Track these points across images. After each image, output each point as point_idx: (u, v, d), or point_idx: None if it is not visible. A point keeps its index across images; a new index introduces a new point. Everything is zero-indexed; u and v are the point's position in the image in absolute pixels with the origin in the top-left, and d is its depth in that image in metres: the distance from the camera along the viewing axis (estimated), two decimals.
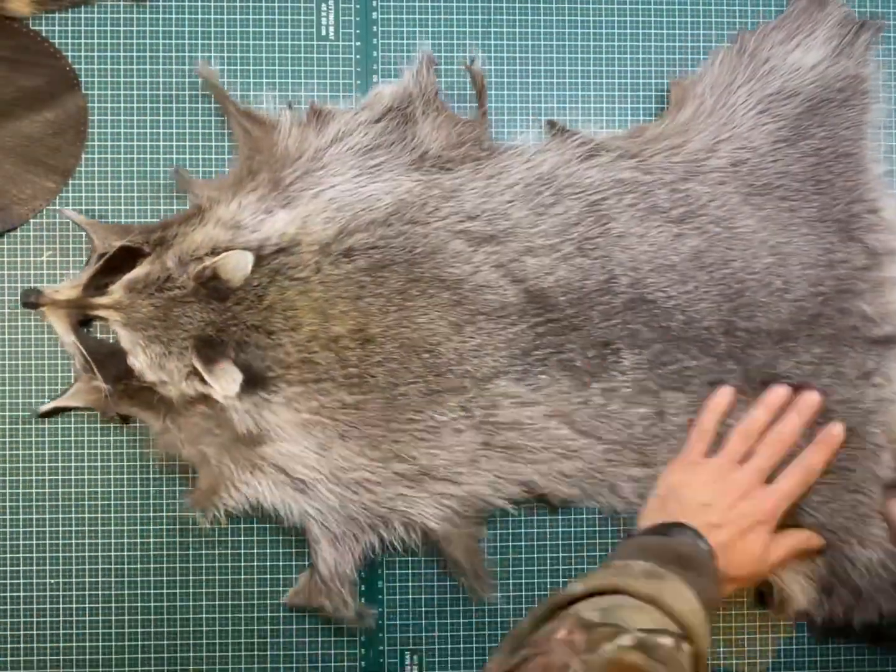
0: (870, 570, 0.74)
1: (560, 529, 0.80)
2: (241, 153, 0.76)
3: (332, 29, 0.80)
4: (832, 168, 0.77)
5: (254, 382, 0.72)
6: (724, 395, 0.74)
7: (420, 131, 0.75)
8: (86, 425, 0.78)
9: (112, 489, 0.78)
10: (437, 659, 0.79)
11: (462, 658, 0.79)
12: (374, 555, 0.76)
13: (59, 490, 0.78)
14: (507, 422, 0.74)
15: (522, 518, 0.79)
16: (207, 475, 0.74)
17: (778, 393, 0.74)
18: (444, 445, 0.74)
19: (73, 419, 0.78)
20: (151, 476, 0.78)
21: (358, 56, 0.80)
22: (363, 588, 0.79)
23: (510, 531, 0.79)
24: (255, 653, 0.78)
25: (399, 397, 0.73)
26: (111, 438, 0.78)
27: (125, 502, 0.78)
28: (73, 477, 0.78)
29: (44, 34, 0.78)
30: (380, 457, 0.74)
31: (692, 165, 0.76)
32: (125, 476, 0.78)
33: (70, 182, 0.78)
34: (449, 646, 0.79)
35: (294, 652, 0.78)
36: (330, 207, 0.74)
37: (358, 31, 0.80)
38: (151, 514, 0.78)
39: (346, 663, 0.79)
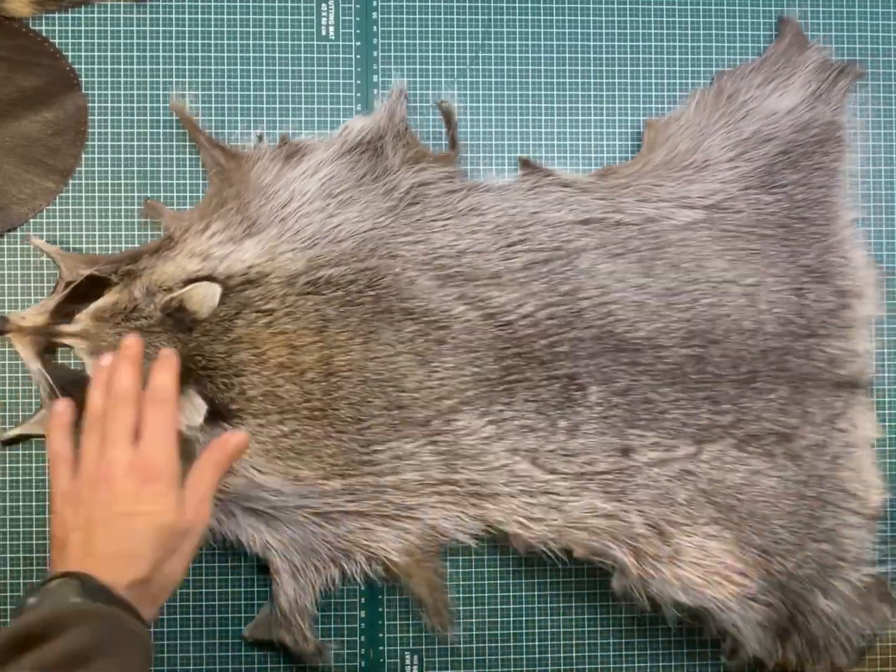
0: (830, 621, 0.74)
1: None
2: (211, 184, 0.76)
3: (332, 29, 0.80)
4: (804, 213, 0.77)
5: (218, 414, 0.72)
6: (57, 408, 0.64)
7: (390, 165, 0.75)
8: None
9: None
10: (436, 659, 0.79)
11: (462, 658, 0.79)
12: (334, 588, 0.76)
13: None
14: (470, 456, 0.74)
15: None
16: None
17: (99, 365, 0.65)
18: (406, 479, 0.74)
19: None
20: None
21: (358, 56, 0.80)
22: (363, 588, 0.79)
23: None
24: (255, 653, 0.78)
25: (363, 431, 0.73)
26: None
27: None
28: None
29: (44, 34, 0.78)
30: (343, 489, 0.74)
31: (664, 206, 0.76)
32: None
33: (70, 182, 0.78)
34: (449, 646, 0.79)
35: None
36: (298, 240, 0.73)
37: (358, 31, 0.80)
38: None
39: (346, 663, 0.79)
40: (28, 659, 0.51)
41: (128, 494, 0.59)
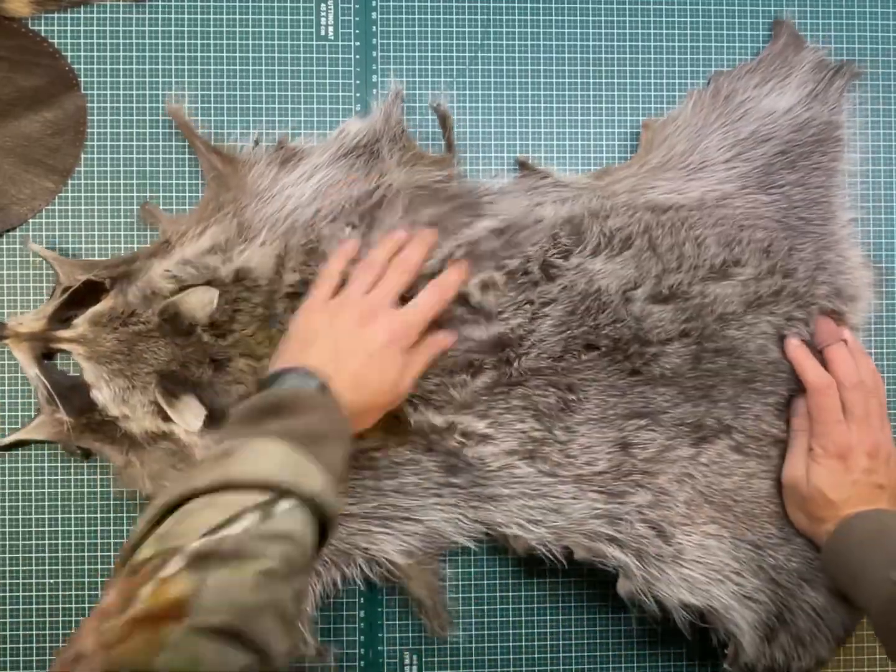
0: (815, 613, 0.74)
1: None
2: (208, 188, 0.76)
3: (331, 29, 0.80)
4: (802, 212, 0.77)
5: (216, 418, 0.72)
6: (350, 242, 0.71)
7: (386, 168, 0.75)
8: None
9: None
10: (436, 659, 0.79)
11: (461, 658, 0.79)
12: (334, 591, 0.76)
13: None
14: (469, 459, 0.74)
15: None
16: None
17: (397, 234, 0.71)
18: (406, 482, 0.74)
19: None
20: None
21: (357, 56, 0.80)
22: (363, 589, 0.79)
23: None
24: None
25: (361, 435, 0.73)
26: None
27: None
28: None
29: (43, 34, 0.78)
30: (341, 493, 0.73)
31: (660, 208, 0.75)
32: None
33: (69, 182, 0.78)
34: (448, 646, 0.79)
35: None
36: (292, 243, 0.73)
37: (357, 31, 0.80)
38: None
39: (345, 663, 0.79)
40: (275, 424, 0.58)
41: (377, 341, 0.66)
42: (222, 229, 0.73)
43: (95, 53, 0.78)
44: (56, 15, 0.78)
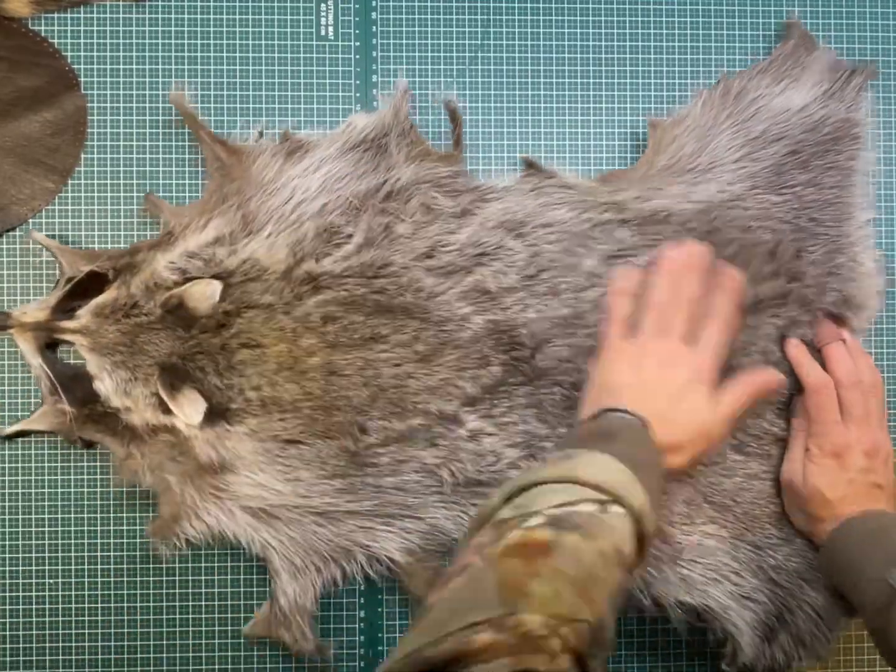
0: (815, 612, 0.74)
1: None
2: (212, 180, 0.76)
3: (331, 29, 0.80)
4: (814, 214, 0.76)
5: (217, 412, 0.72)
6: (622, 276, 0.72)
7: (393, 163, 0.75)
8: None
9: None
10: None
11: None
12: (335, 588, 0.76)
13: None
14: (470, 456, 0.74)
15: None
16: (169, 503, 0.73)
17: (672, 258, 0.71)
18: (407, 479, 0.74)
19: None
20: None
21: (357, 56, 0.80)
22: (363, 588, 0.79)
23: None
24: (255, 653, 0.78)
25: (363, 430, 0.73)
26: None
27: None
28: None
29: (43, 34, 0.78)
30: (343, 489, 0.74)
31: (669, 209, 0.75)
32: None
33: (69, 182, 0.78)
34: None
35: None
36: (298, 237, 0.73)
37: (357, 31, 0.80)
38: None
39: (345, 663, 0.79)
40: (608, 446, 0.62)
41: (677, 382, 0.68)
42: (226, 221, 0.73)
43: (95, 53, 0.78)
44: (56, 15, 0.78)
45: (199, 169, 0.78)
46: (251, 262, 0.72)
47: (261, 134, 0.76)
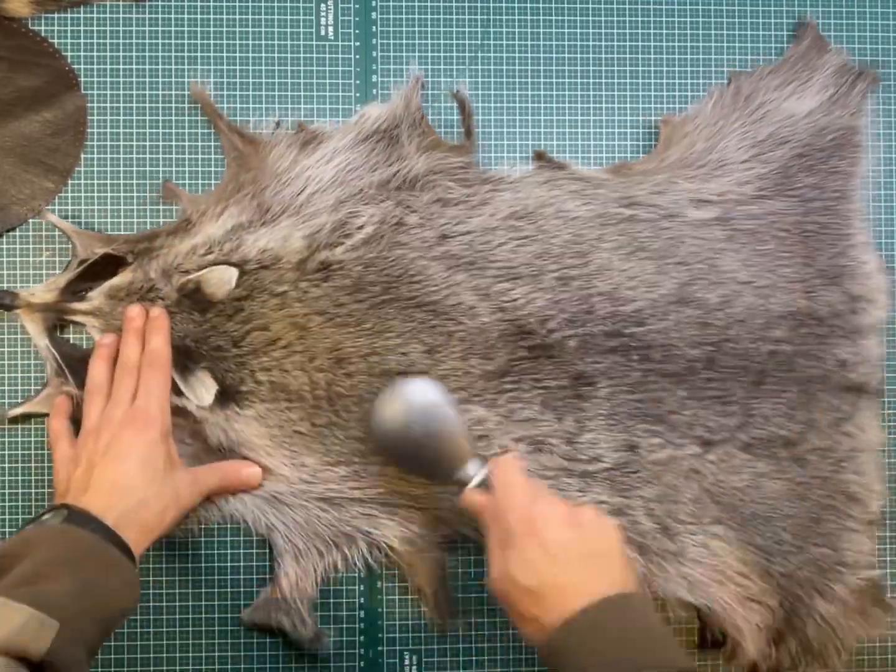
0: (826, 624, 0.74)
1: None
2: (229, 169, 0.77)
3: (331, 29, 0.80)
4: (819, 217, 0.77)
5: (228, 395, 0.73)
6: (59, 400, 0.74)
7: (405, 154, 0.75)
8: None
9: None
10: (436, 659, 0.79)
11: (461, 658, 0.79)
12: (336, 573, 0.76)
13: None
14: (476, 447, 0.73)
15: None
16: None
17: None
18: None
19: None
20: None
21: (357, 56, 0.80)
22: (363, 588, 0.79)
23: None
24: (255, 653, 0.78)
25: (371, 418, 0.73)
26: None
27: None
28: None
29: (43, 34, 0.78)
30: (348, 476, 0.74)
31: (677, 204, 0.76)
32: None
33: (69, 182, 0.78)
34: (448, 646, 0.79)
35: (293, 652, 0.78)
36: (312, 226, 0.74)
37: (357, 32, 0.80)
38: None
39: (345, 663, 0.79)
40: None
41: (123, 439, 0.66)
42: (241, 209, 0.74)
43: (95, 53, 0.78)
44: (56, 15, 0.78)
45: (199, 169, 0.78)
46: (266, 251, 0.73)
47: (277, 124, 0.77)
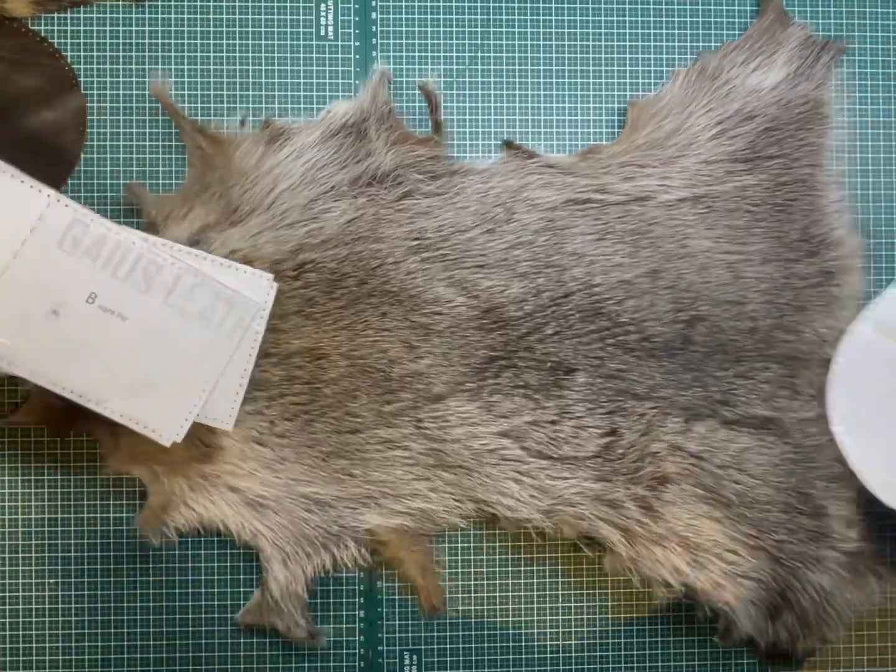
0: (821, 595, 0.74)
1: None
2: (193, 169, 0.77)
3: (330, 29, 0.80)
4: (789, 191, 0.78)
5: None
6: None
7: (374, 148, 0.76)
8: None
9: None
10: (436, 659, 0.79)
11: (461, 658, 0.79)
12: (325, 574, 0.77)
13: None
14: (459, 441, 0.74)
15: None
16: (158, 493, 0.74)
17: None
18: (396, 464, 0.75)
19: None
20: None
21: (357, 56, 0.80)
22: (362, 587, 0.79)
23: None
24: (255, 653, 0.78)
25: (351, 417, 0.74)
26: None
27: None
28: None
29: (43, 34, 0.78)
30: (332, 475, 0.74)
31: (648, 185, 0.76)
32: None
33: (69, 182, 0.78)
34: (448, 646, 0.79)
35: (293, 652, 0.78)
36: (281, 224, 0.74)
37: (357, 32, 0.80)
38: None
39: (344, 663, 0.79)
40: None
41: None
42: (208, 210, 0.74)
43: (95, 53, 0.78)
44: (56, 15, 0.78)
45: None
46: (234, 251, 0.73)
47: (242, 122, 0.77)
